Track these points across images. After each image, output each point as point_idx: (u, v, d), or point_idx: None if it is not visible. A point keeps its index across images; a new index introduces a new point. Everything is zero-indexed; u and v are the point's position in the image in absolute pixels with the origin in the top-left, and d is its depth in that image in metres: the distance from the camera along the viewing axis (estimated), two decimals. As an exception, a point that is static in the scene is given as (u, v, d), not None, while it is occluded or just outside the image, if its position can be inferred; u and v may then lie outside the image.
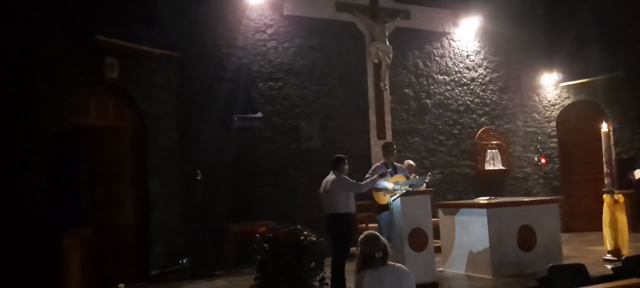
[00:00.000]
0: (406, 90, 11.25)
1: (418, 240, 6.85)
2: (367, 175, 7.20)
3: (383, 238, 3.59)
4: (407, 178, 7.59)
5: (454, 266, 7.61)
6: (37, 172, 6.74)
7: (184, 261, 8.35)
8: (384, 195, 7.20)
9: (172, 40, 8.43)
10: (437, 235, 7.68)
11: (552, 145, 12.09)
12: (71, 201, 6.73)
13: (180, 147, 8.74)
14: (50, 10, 7.09)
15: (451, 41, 11.86)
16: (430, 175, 7.70)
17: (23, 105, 6.74)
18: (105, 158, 7.77)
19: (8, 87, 6.65)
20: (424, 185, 8.10)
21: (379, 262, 3.47)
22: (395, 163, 7.67)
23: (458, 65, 11.87)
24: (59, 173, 6.79)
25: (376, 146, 10.06)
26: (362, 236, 3.61)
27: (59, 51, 7.10)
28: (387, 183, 7.18)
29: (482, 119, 11.94)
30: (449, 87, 11.71)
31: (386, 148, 7.73)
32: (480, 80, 12.05)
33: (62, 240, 6.40)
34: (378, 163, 7.68)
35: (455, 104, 11.73)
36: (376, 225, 7.66)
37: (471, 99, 11.90)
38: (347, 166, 6.79)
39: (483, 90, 12.04)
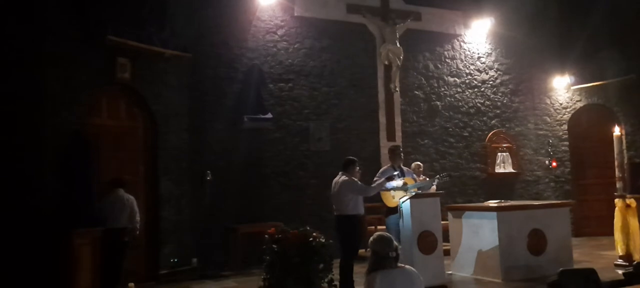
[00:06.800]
0: (416, 92, 11.23)
1: (427, 242, 6.84)
2: (375, 179, 7.17)
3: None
4: (415, 181, 7.57)
5: (463, 269, 7.57)
6: (49, 171, 6.81)
7: (177, 259, 8.36)
8: (393, 198, 7.19)
9: (184, 41, 8.50)
10: (446, 238, 7.65)
11: (563, 148, 12.00)
12: (82, 200, 6.79)
13: (191, 147, 8.79)
14: (63, 11, 7.16)
15: (462, 43, 11.82)
16: (438, 178, 7.67)
17: (36, 104, 6.81)
18: (116, 158, 7.82)
19: (21, 87, 6.72)
20: (434, 187, 8.09)
21: (393, 262, 3.47)
22: (402, 166, 7.64)
23: (469, 67, 11.82)
24: (70, 172, 6.86)
25: (386, 148, 10.01)
26: (374, 237, 3.60)
27: (72, 51, 7.17)
28: (396, 184, 7.15)
29: (493, 122, 11.87)
30: (459, 89, 11.66)
31: (393, 152, 7.67)
32: (491, 82, 11.99)
33: (74, 239, 6.45)
34: (385, 167, 7.66)
35: (466, 106, 11.68)
36: (385, 227, 7.64)
37: (482, 101, 11.84)
38: (358, 168, 6.77)
39: (494, 93, 11.98)
